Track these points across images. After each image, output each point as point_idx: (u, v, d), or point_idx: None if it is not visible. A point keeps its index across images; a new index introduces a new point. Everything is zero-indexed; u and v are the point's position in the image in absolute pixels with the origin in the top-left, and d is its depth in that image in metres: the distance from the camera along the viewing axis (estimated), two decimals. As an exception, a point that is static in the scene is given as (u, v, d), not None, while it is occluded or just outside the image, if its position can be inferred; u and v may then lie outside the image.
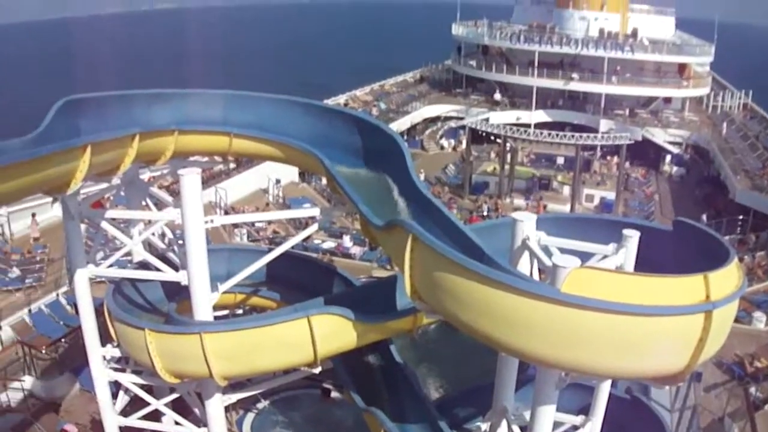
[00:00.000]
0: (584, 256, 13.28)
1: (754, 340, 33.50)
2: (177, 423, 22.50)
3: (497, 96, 79.56)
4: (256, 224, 46.50)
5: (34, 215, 41.20)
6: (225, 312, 24.68)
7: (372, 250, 42.30)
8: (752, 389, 29.55)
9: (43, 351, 30.04)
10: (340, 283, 23.47)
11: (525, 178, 63.26)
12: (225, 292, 20.10)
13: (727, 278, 11.96)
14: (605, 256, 13.87)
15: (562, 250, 13.68)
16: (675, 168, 67.45)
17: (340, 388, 26.35)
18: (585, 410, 17.27)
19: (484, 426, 18.72)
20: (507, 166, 61.93)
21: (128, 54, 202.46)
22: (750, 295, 36.88)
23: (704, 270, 11.59)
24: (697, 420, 26.59)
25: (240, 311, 25.78)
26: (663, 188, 64.09)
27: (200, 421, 22.07)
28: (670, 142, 68.54)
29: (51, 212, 41.79)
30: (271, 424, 26.86)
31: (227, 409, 21.89)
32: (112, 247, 29.70)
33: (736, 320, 12.62)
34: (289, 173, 55.89)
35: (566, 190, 60.77)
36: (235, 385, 21.79)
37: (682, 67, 76.41)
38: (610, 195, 58.98)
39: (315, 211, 21.11)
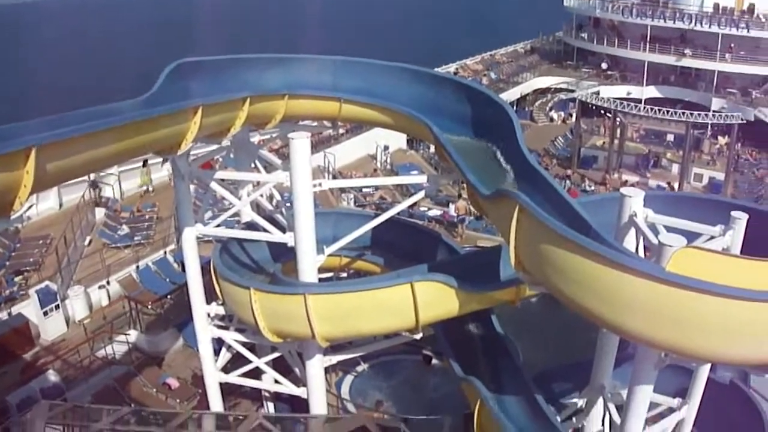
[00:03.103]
0: (690, 236, 13.15)
1: None
2: (277, 381, 22.97)
3: (603, 65, 78.15)
4: (363, 190, 46.89)
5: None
6: (329, 275, 25.00)
7: (478, 219, 42.22)
8: None
9: (149, 306, 30.95)
10: (445, 251, 23.52)
11: (634, 153, 62.31)
12: (330, 255, 20.30)
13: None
14: (712, 237, 13.71)
15: (668, 229, 13.56)
16: (788, 150, 65.24)
17: (440, 355, 26.49)
18: (682, 393, 17.14)
19: (580, 402, 18.73)
20: (616, 141, 61.13)
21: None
22: None
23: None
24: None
25: (344, 275, 26.05)
26: (774, 170, 62.07)
27: (300, 381, 22.41)
28: (784, 123, 66.43)
29: (161, 172, 42.81)
30: (369, 387, 26.97)
31: (327, 370, 22.11)
32: (220, 208, 30.22)
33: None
34: (397, 140, 55.63)
35: (675, 168, 59.56)
36: (335, 347, 22.04)
37: (799, 46, 73.57)
38: (719, 175, 57.60)
39: (422, 178, 21.21)
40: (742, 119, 57.38)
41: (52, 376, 26.08)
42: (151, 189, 42.99)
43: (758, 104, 66.99)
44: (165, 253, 35.28)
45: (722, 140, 62.91)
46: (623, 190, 14.76)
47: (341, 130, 51.80)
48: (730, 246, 13.66)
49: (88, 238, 36.34)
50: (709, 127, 62.83)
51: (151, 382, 27.37)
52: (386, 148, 54.63)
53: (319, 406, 21.81)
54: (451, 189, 47.97)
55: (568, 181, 56.22)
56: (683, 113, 57.72)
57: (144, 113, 15.01)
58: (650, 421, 16.57)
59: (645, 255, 14.44)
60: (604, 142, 64.25)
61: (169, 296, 31.70)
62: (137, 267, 33.42)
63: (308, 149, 18.09)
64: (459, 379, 19.57)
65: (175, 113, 15.78)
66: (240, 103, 18.22)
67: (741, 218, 13.56)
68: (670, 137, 64.69)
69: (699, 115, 57.51)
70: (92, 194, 40.32)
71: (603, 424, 18.57)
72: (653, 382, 14.63)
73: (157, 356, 29.48)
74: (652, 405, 15.89)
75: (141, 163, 41.88)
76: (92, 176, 39.60)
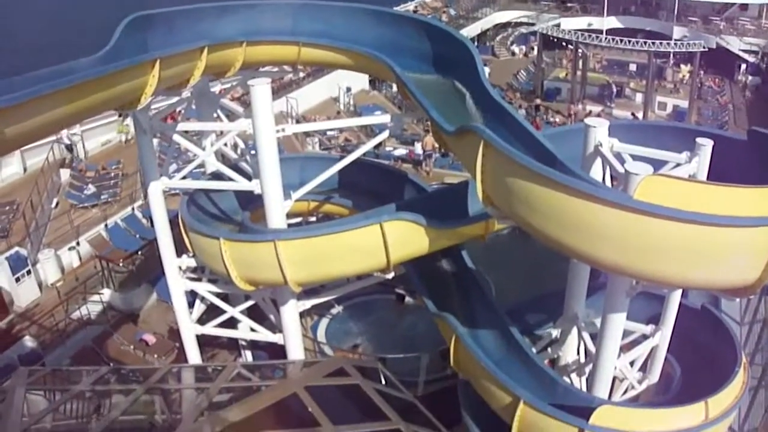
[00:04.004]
0: (657, 164, 13.18)
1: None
2: (252, 330, 23.07)
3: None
4: (328, 133, 46.66)
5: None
6: (298, 220, 24.96)
7: (444, 156, 42.23)
8: (824, 306, 29.30)
9: (120, 264, 30.89)
10: (412, 190, 23.52)
11: (597, 84, 62.36)
12: (298, 200, 20.21)
13: (805, 191, 11.71)
14: (678, 165, 13.76)
15: (634, 158, 13.58)
16: (750, 77, 64.91)
17: (413, 293, 26.63)
18: (655, 320, 17.32)
19: (555, 332, 18.87)
20: (579, 73, 61.09)
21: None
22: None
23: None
24: (766, 334, 26.43)
25: (313, 219, 26.03)
26: (737, 98, 61.89)
27: (275, 328, 22.57)
28: (746, 51, 65.85)
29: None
30: (345, 329, 27.20)
31: (302, 315, 22.19)
32: (184, 160, 30.14)
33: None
34: (360, 81, 55.28)
35: (639, 98, 59.57)
36: (309, 291, 22.07)
37: (760, -28, 73.43)
38: (683, 103, 57.74)
39: (386, 118, 21.03)
40: (704, 47, 57.34)
41: (29, 342, 26.26)
42: (131, 138, 42.46)
43: (720, 32, 67.04)
44: (133, 209, 35.20)
45: (685, 69, 62.87)
46: (588, 120, 14.72)
47: (302, 74, 51.23)
48: (696, 173, 13.71)
49: (54, 201, 36.09)
50: (672, 55, 62.94)
51: (128, 340, 27.50)
52: (348, 89, 54.29)
53: (296, 351, 21.97)
54: (415, 127, 47.95)
55: (538, 112, 56.35)
56: (645, 42, 57.52)
57: (101, 70, 14.78)
58: (624, 348, 16.78)
59: (612, 184, 14.48)
60: (566, 74, 64.20)
61: (139, 252, 31.59)
62: (106, 225, 33.36)
63: (269, 95, 17.94)
64: (433, 316, 19.64)
65: (132, 68, 15.54)
66: (197, 53, 17.96)
67: (706, 145, 13.58)
68: (633, 67, 64.68)
69: (661, 44, 57.32)
70: (62, 153, 40.17)
71: (578, 353, 18.74)
72: (626, 310, 14.78)
73: (132, 313, 29.55)
74: (626, 332, 16.05)
75: (108, 120, 41.58)
76: (59, 136, 39.41)
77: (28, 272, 29.34)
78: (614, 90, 61.02)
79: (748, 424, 22.25)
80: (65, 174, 38.89)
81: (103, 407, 14.07)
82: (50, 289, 30.05)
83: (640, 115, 55.42)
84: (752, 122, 52.14)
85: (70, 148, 40.77)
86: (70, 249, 31.86)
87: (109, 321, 28.68)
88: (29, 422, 12.13)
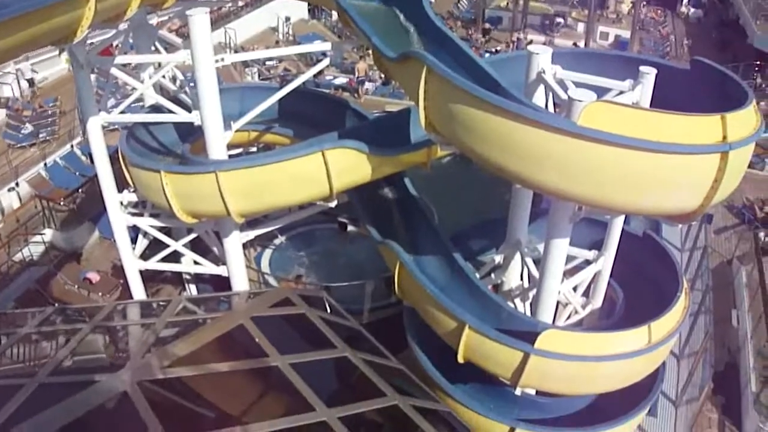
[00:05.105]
0: (600, 92, 13.18)
1: (765, 186, 33.88)
2: (196, 263, 23.10)
3: None
4: (267, 63, 46.34)
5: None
6: (239, 151, 24.76)
7: (385, 84, 42.09)
8: (761, 234, 30.12)
9: (61, 203, 30.63)
10: (354, 118, 23.40)
11: (539, 13, 62.18)
12: (238, 131, 20.01)
13: (745, 120, 11.88)
14: (621, 92, 13.78)
15: (578, 85, 13.57)
16: (692, 10, 65.88)
17: (356, 222, 26.66)
18: (598, 245, 17.51)
19: (498, 258, 18.98)
20: (521, 2, 60.79)
21: None
22: (764, 141, 36.85)
23: (721, 111, 11.49)
24: (706, 261, 26.97)
25: (254, 149, 25.83)
26: (679, 30, 62.60)
27: (219, 260, 22.54)
28: (688, -18, 66.76)
29: (59, 65, 41.70)
30: (288, 259, 27.21)
31: (245, 246, 22.20)
32: (123, 94, 29.68)
33: (749, 165, 12.56)
34: (299, 10, 54.82)
35: (581, 27, 59.56)
36: (251, 222, 22.00)
37: None
38: (626, 33, 57.85)
39: (326, 46, 20.87)
40: (646, -23, 57.19)
41: (-29, 287, 25.78)
42: None
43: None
44: (72, 147, 34.83)
45: (627, -1, 63.22)
46: (530, 47, 14.67)
47: (241, 4, 50.73)
48: (639, 100, 13.75)
49: (-9, 142, 35.38)
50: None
51: (72, 279, 27.29)
52: (287, 19, 53.64)
53: (240, 282, 22.02)
54: (355, 56, 47.58)
55: (485, 37, 56.46)
56: (587, -29, 57.30)
57: (35, 2, 14.31)
58: (568, 273, 17.00)
59: (555, 112, 14.48)
60: (508, 3, 63.70)
61: (80, 190, 31.27)
62: (45, 164, 33.07)
63: (208, 24, 17.55)
64: (377, 244, 19.67)
65: (68, 0, 15.10)
66: (134, -17, 17.47)
67: (649, 72, 13.59)
68: (575, -5, 64.68)
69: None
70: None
71: (522, 279, 18.90)
72: (569, 236, 14.97)
73: (75, 252, 29.27)
74: (569, 258, 16.26)
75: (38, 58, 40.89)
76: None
77: (-33, 215, 28.86)
78: (556, 20, 60.85)
79: (688, 348, 22.79)
80: (1, 114, 38.14)
81: (50, 348, 13.95)
82: (-10, 232, 29.66)
83: (581, 44, 55.42)
84: (693, 54, 52.71)
85: (31, 82, 40.52)
86: (9, 190, 31.50)
87: (52, 261, 28.42)
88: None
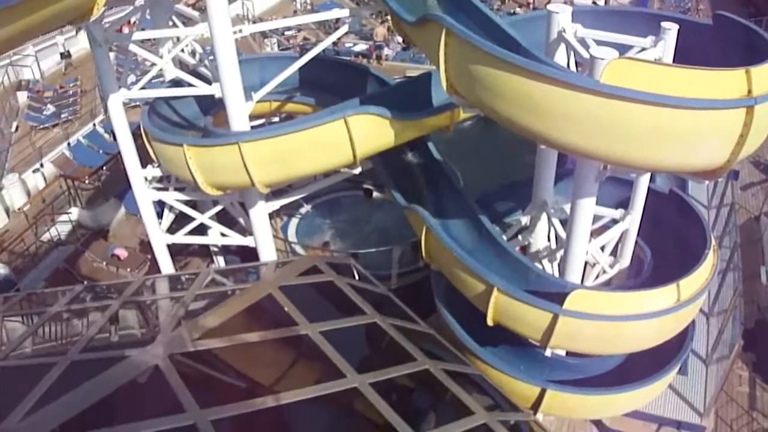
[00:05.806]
0: (622, 50, 13.06)
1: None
2: (223, 234, 23.08)
3: None
4: (286, 33, 46.15)
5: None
6: (261, 121, 24.73)
7: (405, 50, 41.88)
8: (788, 189, 29.73)
9: (86, 181, 30.84)
10: (375, 84, 23.32)
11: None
12: (260, 101, 19.97)
13: (770, 74, 11.69)
14: (643, 49, 13.63)
15: (599, 43, 13.45)
16: (713, -36, 64.72)
17: (382, 188, 26.63)
18: (624, 204, 17.42)
19: (525, 219, 18.92)
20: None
21: None
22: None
23: (746, 65, 11.34)
24: (734, 217, 26.72)
25: (276, 119, 25.80)
26: (700, -15, 61.64)
27: (246, 231, 22.60)
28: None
29: (79, 45, 41.75)
30: (315, 227, 27.33)
31: (271, 216, 22.22)
32: (142, 71, 29.68)
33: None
34: (317, -20, 54.16)
35: (601, -18, 58.75)
36: (277, 191, 22.04)
37: None
38: (647, -12, 56.91)
39: (344, 12, 20.67)
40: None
41: (1, 269, 26.19)
42: None
43: None
44: (94, 125, 35.08)
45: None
46: (550, 6, 14.51)
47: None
48: (661, 56, 13.59)
49: (14, 124, 35.80)
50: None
51: (100, 257, 27.53)
52: (305, -12, 53.15)
53: (267, 252, 22.04)
54: (374, 22, 47.18)
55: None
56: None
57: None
58: (595, 233, 16.90)
59: (577, 71, 14.35)
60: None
61: (104, 167, 31.48)
62: (68, 144, 33.37)
63: (225, -4, 17.48)
64: (403, 209, 19.65)
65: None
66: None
67: (671, 28, 13.42)
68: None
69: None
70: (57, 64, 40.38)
71: (549, 240, 18.85)
72: (595, 195, 14.88)
73: (101, 230, 29.59)
74: (596, 218, 16.16)
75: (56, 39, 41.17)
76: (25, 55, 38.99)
77: (-6, 199, 29.09)
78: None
79: (718, 306, 22.65)
80: (22, 96, 38.44)
81: (81, 326, 14.02)
82: (17, 214, 30.11)
83: (601, 2, 54.73)
84: (715, 9, 51.75)
85: (67, 54, 41.19)
86: (34, 171, 31.78)
87: (79, 240, 28.70)
88: (8, 349, 12.06)
